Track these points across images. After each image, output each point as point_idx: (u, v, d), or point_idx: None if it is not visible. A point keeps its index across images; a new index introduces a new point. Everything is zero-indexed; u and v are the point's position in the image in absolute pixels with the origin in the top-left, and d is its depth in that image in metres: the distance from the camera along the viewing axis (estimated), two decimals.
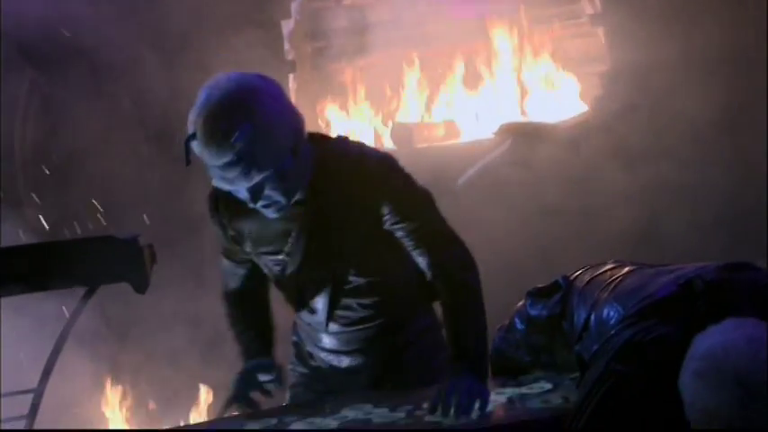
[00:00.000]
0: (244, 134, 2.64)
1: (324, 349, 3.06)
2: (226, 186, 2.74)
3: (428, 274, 2.89)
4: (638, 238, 6.25)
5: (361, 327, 2.99)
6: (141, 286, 4.30)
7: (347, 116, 7.81)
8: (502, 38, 7.69)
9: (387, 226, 2.86)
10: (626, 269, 2.66)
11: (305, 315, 3.03)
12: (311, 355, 3.12)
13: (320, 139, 2.89)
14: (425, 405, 2.71)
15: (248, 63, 6.99)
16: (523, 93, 7.48)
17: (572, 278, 2.79)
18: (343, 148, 2.88)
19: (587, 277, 2.74)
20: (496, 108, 7.49)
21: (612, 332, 2.41)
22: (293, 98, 7.62)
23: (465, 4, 8.04)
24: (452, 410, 2.60)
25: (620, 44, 7.12)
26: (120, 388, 5.76)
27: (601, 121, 6.99)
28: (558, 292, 2.77)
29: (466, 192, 6.80)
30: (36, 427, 4.09)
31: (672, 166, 6.77)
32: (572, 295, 2.72)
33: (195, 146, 2.70)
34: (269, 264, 2.99)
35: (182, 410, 5.79)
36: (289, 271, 2.94)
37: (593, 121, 7.05)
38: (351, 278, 2.93)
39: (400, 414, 2.72)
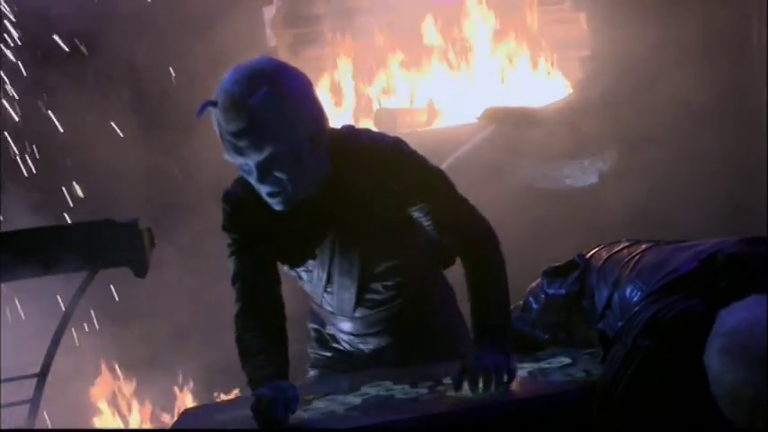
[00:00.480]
0: (261, 98, 2.62)
1: (349, 333, 3.08)
2: (236, 159, 2.70)
3: (453, 251, 2.92)
4: (626, 221, 6.31)
5: (385, 307, 3.02)
6: (141, 270, 4.30)
7: (331, 102, 7.81)
8: (484, 23, 7.73)
9: (406, 209, 2.86)
10: (643, 246, 2.70)
11: (329, 303, 3.03)
12: (334, 338, 3.14)
13: (332, 134, 2.85)
14: (447, 380, 2.73)
15: (229, 50, 6.99)
16: (506, 78, 7.53)
17: (588, 256, 2.83)
18: (354, 137, 2.87)
19: (604, 255, 2.77)
20: (479, 93, 7.54)
21: (636, 309, 2.45)
22: None
23: None
24: (480, 385, 2.60)
25: (602, 29, 7.17)
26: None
27: (584, 105, 7.04)
28: (576, 271, 2.81)
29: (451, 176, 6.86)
30: (40, 410, 4.09)
31: (655, 148, 6.84)
32: (590, 273, 2.76)
33: (214, 114, 2.68)
34: (292, 264, 2.98)
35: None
36: (314, 270, 2.95)
37: (576, 104, 7.10)
38: (376, 264, 2.94)
39: (422, 390, 2.74)
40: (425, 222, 2.87)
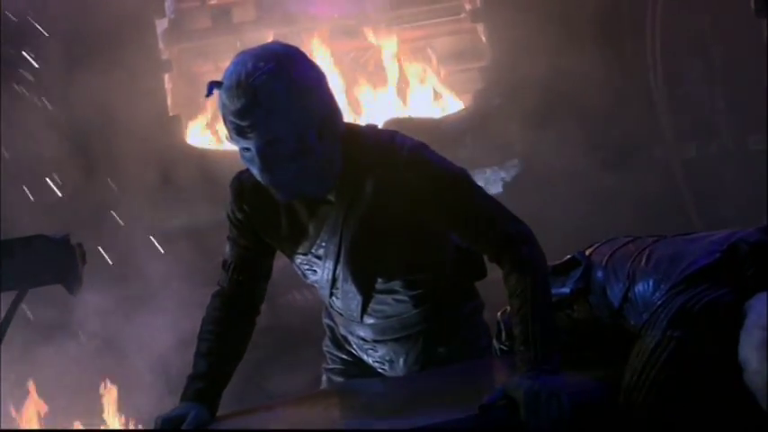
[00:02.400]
0: (266, 74, 2.50)
1: (358, 337, 2.96)
2: (238, 141, 2.57)
3: (487, 258, 2.76)
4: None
5: (396, 318, 2.88)
6: (75, 288, 4.11)
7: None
8: (380, 36, 7.69)
9: (424, 218, 2.70)
10: (650, 240, 2.69)
11: (338, 307, 2.92)
12: (346, 340, 3.02)
13: (349, 131, 2.72)
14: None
15: (122, 61, 6.80)
16: (404, 90, 7.51)
17: (588, 254, 2.80)
18: (374, 138, 2.72)
19: (606, 250, 2.74)
20: (376, 106, 7.49)
21: (660, 301, 2.43)
22: (168, 99, 7.45)
23: (338, 3, 8.01)
24: (541, 413, 2.37)
25: (500, 39, 7.23)
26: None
27: (484, 115, 7.07)
28: (578, 268, 2.76)
29: None
30: None
31: (557, 154, 6.93)
32: (594, 270, 2.72)
33: (219, 96, 2.56)
34: (296, 261, 2.86)
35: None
36: (319, 272, 2.83)
37: (476, 115, 7.13)
38: (386, 276, 2.81)
39: (428, 396, 2.65)
40: (453, 231, 2.73)
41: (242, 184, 2.79)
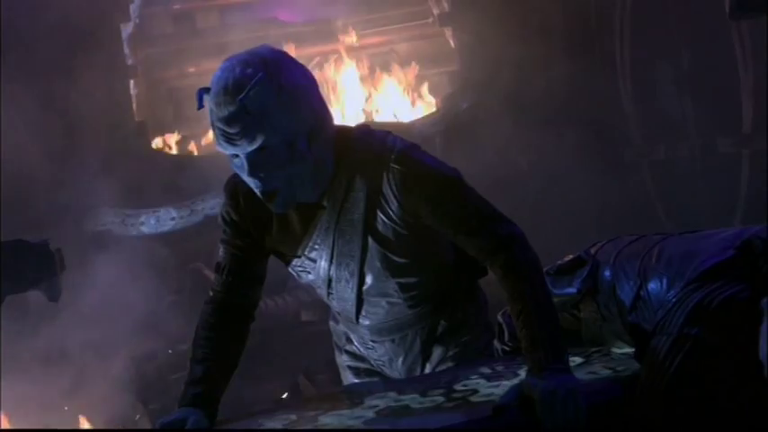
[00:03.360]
0: (254, 82, 2.43)
1: (359, 335, 2.93)
2: (227, 149, 2.50)
3: (479, 260, 2.67)
4: None
5: (392, 319, 2.85)
6: (54, 294, 4.03)
7: (195, 122, 7.60)
8: (347, 41, 7.66)
9: (416, 219, 2.66)
10: (657, 237, 2.66)
11: (334, 307, 2.88)
12: (349, 338, 3.00)
13: (340, 133, 2.66)
14: (459, 386, 2.59)
15: (87, 66, 6.71)
16: (372, 94, 7.48)
17: (593, 253, 2.77)
18: (366, 140, 2.66)
19: (612, 249, 2.71)
20: (344, 110, 7.46)
21: (675, 299, 2.40)
22: (134, 104, 7.37)
23: (303, 8, 7.98)
24: (558, 414, 2.31)
25: (468, 43, 7.23)
26: None
27: (454, 117, 7.07)
28: (584, 267, 2.73)
29: None
30: None
31: (526, 156, 6.94)
32: (601, 269, 2.69)
33: (208, 102, 2.49)
34: (291, 263, 2.81)
35: None
36: (313, 274, 2.78)
37: (444, 119, 7.12)
38: (378, 280, 2.76)
39: (438, 398, 2.59)
40: (445, 232, 2.66)
41: (236, 186, 2.73)
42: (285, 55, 2.57)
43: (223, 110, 2.46)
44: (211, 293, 2.80)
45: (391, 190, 2.62)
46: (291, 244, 2.75)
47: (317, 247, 2.74)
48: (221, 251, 2.78)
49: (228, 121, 2.46)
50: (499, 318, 2.90)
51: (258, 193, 2.60)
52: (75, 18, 6.69)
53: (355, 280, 2.76)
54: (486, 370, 2.75)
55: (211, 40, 8.02)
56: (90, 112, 6.76)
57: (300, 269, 2.81)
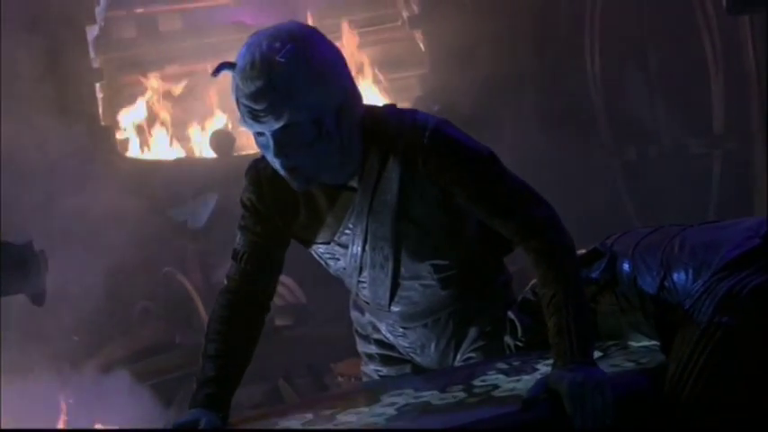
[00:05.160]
0: (283, 56, 2.36)
1: (388, 324, 2.87)
2: (252, 126, 2.44)
3: (512, 242, 2.63)
4: None
5: (425, 303, 2.79)
6: (39, 297, 3.93)
7: (159, 126, 7.52)
8: None
9: (449, 199, 2.60)
10: (676, 228, 2.64)
11: (364, 295, 2.81)
12: (375, 327, 2.92)
13: (368, 113, 2.58)
14: (479, 381, 2.55)
15: (50, 69, 6.61)
16: None
17: (609, 245, 2.74)
18: (395, 119, 2.59)
19: (629, 241, 2.68)
20: None
21: (703, 289, 2.38)
22: (101, 109, 7.27)
23: (269, 11, 7.91)
24: (587, 408, 2.27)
25: (438, 46, 7.22)
26: None
27: None
28: (602, 259, 2.70)
29: None
30: None
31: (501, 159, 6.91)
32: (619, 261, 2.66)
33: (232, 78, 2.42)
34: (318, 251, 2.75)
35: None
36: (343, 260, 2.72)
37: None
38: (413, 262, 2.70)
39: (459, 393, 2.54)
40: (478, 212, 2.60)
41: (259, 171, 2.65)
42: (314, 30, 2.50)
43: (249, 86, 2.39)
44: (227, 282, 2.72)
45: (425, 168, 2.56)
46: (320, 230, 2.68)
47: (347, 232, 2.67)
48: (239, 238, 2.69)
49: (255, 97, 2.39)
50: (510, 314, 2.86)
51: (281, 171, 2.53)
52: (42, 18, 6.59)
53: (390, 264, 2.69)
54: (502, 365, 2.71)
55: (174, 45, 7.96)
56: (56, 115, 6.64)
57: (329, 256, 2.74)
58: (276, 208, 2.66)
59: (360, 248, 2.68)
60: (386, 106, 2.68)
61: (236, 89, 2.43)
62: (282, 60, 2.37)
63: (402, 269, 2.72)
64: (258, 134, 2.49)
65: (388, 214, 2.63)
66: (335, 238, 2.69)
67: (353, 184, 2.62)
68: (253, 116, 2.43)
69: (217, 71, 2.45)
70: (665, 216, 6.58)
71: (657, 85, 6.79)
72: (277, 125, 2.42)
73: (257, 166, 2.66)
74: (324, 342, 5.92)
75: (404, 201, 2.61)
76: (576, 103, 7.10)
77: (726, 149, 6.42)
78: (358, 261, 2.70)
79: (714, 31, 6.30)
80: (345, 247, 2.70)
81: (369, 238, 2.66)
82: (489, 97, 6.96)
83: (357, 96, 2.54)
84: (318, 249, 2.74)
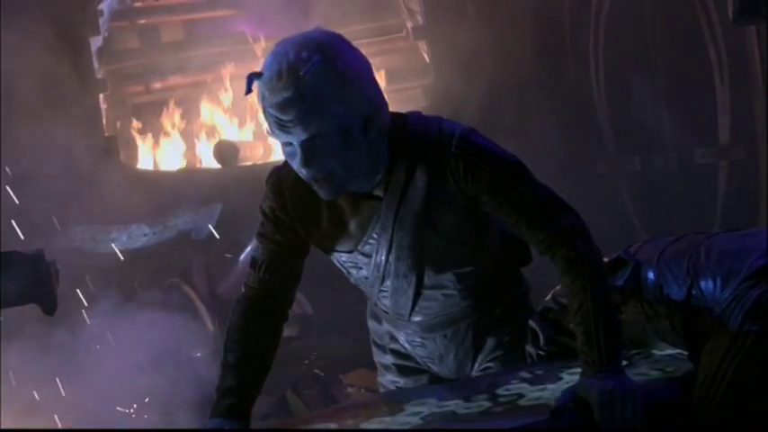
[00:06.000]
0: (311, 66, 2.36)
1: (406, 334, 2.86)
2: (279, 136, 2.43)
3: (538, 251, 2.61)
4: None
5: (444, 313, 2.78)
6: (51, 308, 3.90)
7: (162, 136, 7.51)
8: None
9: (476, 207, 2.59)
10: (701, 236, 2.63)
11: (384, 305, 2.80)
12: (393, 337, 2.91)
13: (394, 121, 2.58)
14: (502, 390, 2.54)
15: (54, 79, 6.58)
16: None
17: (633, 253, 2.73)
18: (421, 127, 2.59)
19: (653, 249, 2.66)
20: None
21: (732, 297, 2.37)
22: (104, 119, 7.25)
23: (271, 22, 7.91)
24: (617, 417, 2.26)
25: (443, 56, 7.21)
26: None
27: None
28: (626, 268, 2.68)
29: None
30: None
31: None
32: (644, 270, 2.64)
33: (258, 87, 2.41)
34: (340, 260, 2.73)
35: None
36: (366, 269, 2.70)
37: None
38: (436, 272, 2.69)
39: (484, 402, 2.52)
40: (506, 220, 2.59)
41: (280, 179, 2.64)
42: (340, 38, 2.49)
43: (277, 96, 2.38)
44: (244, 290, 2.71)
45: (453, 176, 2.54)
46: (344, 239, 2.67)
47: (371, 241, 2.65)
48: (258, 247, 2.69)
49: (283, 107, 2.38)
50: (532, 323, 2.84)
51: (309, 180, 2.51)
52: (45, 29, 6.57)
53: (415, 273, 2.68)
54: (526, 374, 2.69)
55: (176, 55, 7.95)
56: (60, 125, 6.62)
57: (351, 265, 2.72)
58: (297, 216, 2.65)
59: (384, 258, 2.66)
60: (411, 113, 2.67)
61: (263, 99, 2.42)
62: (310, 71, 2.37)
63: (425, 279, 2.71)
64: (286, 144, 2.48)
65: (414, 223, 2.62)
66: (359, 248, 2.67)
67: (379, 192, 2.61)
68: (280, 126, 2.42)
69: (248, 85, 2.43)
70: (671, 227, 6.57)
71: (662, 95, 6.76)
72: (305, 135, 2.42)
73: (279, 174, 2.65)
74: (330, 353, 5.90)
75: (430, 210, 2.60)
76: (580, 112, 7.08)
77: (731, 160, 6.40)
78: (381, 270, 2.69)
79: (720, 40, 6.29)
80: (369, 256, 2.68)
81: (393, 247, 2.64)
82: (493, 107, 6.94)
83: (384, 104, 2.52)
84: (341, 258, 2.73)
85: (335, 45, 2.44)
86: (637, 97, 6.97)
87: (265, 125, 2.49)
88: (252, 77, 2.43)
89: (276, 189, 2.66)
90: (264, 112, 2.43)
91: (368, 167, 2.54)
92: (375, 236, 2.64)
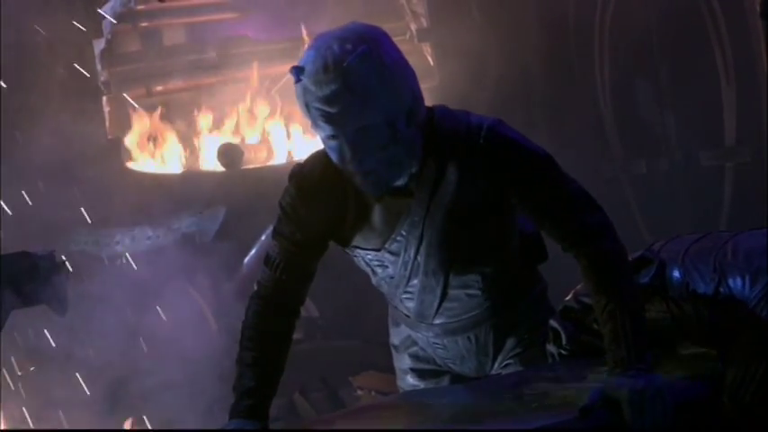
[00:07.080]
0: (358, 58, 2.33)
1: (427, 337, 2.83)
2: (325, 129, 2.40)
3: (561, 247, 2.58)
4: None
5: (466, 315, 2.75)
6: (62, 308, 3.88)
7: (165, 139, 7.48)
8: None
9: (505, 200, 2.56)
10: (726, 234, 2.61)
11: (407, 306, 2.77)
12: (412, 341, 2.89)
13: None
14: (528, 390, 2.51)
15: (57, 83, 6.56)
16: None
17: (657, 251, 2.71)
18: (450, 121, 2.56)
19: (678, 248, 2.65)
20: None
21: (761, 294, 2.36)
22: (107, 122, 7.23)
23: (272, 26, 7.90)
24: (648, 415, 2.26)
25: (447, 58, 7.19)
26: None
27: None
28: (650, 266, 2.66)
29: None
30: None
31: None
32: (669, 268, 2.62)
33: (299, 84, 2.38)
34: (366, 258, 2.69)
35: None
36: (392, 268, 2.67)
37: None
38: (462, 270, 2.66)
39: (509, 402, 2.51)
40: (532, 216, 2.57)
41: (304, 176, 2.61)
42: (380, 30, 2.47)
43: (324, 89, 2.35)
44: (257, 288, 2.67)
45: (482, 169, 2.52)
46: (371, 237, 2.63)
47: (399, 238, 2.61)
48: (275, 245, 2.64)
49: (330, 100, 2.36)
50: (553, 323, 2.82)
51: (354, 175, 2.48)
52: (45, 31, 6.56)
53: (443, 272, 2.65)
54: (549, 374, 2.67)
55: (179, 59, 7.93)
56: (63, 128, 6.60)
57: (377, 263, 2.69)
58: (319, 214, 2.61)
59: (413, 255, 2.63)
60: (437, 107, 2.63)
61: (306, 93, 2.39)
62: (356, 62, 2.34)
63: (450, 278, 2.68)
64: (330, 137, 2.44)
65: (444, 219, 2.58)
66: (386, 246, 2.64)
67: (410, 187, 2.57)
68: (327, 119, 2.39)
69: (296, 77, 2.39)
70: (676, 230, 6.53)
71: (668, 97, 6.75)
72: (353, 128, 2.39)
73: (302, 171, 2.62)
74: (337, 356, 5.87)
75: (460, 205, 2.57)
76: (585, 114, 7.06)
77: (737, 162, 6.38)
78: (408, 268, 2.65)
79: (725, 42, 6.28)
80: (396, 254, 2.65)
81: (424, 244, 2.61)
82: (498, 110, 6.89)
83: (422, 98, 2.51)
84: (367, 256, 2.69)
85: (377, 36, 2.42)
86: (642, 99, 6.95)
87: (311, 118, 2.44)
88: (297, 71, 2.39)
89: (298, 185, 2.62)
90: (307, 106, 2.41)
91: (406, 161, 2.51)
92: (404, 233, 2.61)
